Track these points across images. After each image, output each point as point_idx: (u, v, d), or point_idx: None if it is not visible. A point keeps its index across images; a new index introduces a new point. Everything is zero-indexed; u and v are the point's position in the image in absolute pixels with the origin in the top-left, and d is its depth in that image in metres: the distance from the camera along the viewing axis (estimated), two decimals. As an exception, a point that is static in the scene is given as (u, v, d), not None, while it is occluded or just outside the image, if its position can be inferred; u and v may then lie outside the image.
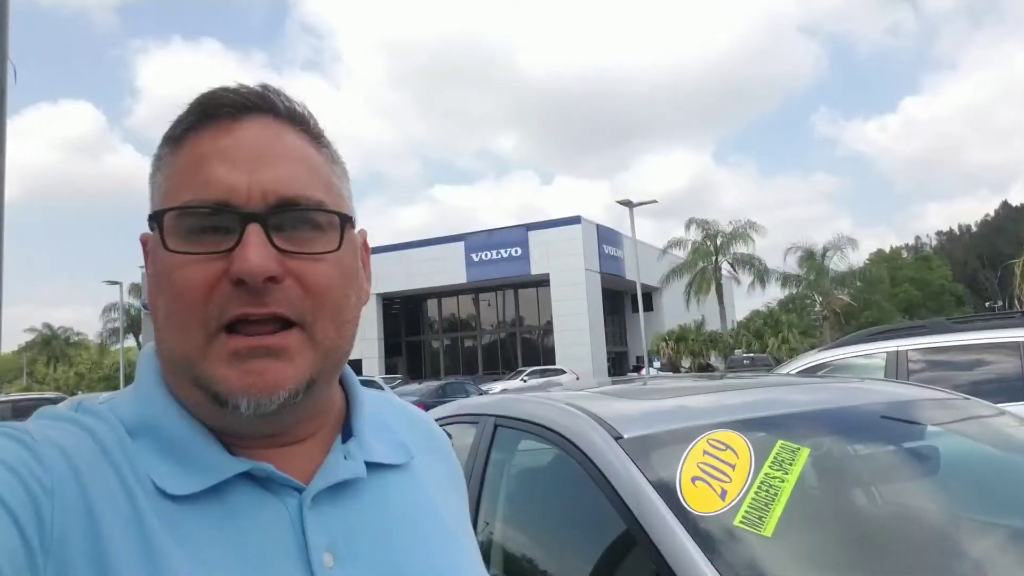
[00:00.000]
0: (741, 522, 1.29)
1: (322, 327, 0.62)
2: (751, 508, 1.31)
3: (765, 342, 31.19)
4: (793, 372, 4.69)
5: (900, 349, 4.34)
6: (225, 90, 0.63)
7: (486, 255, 36.19)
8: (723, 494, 1.34)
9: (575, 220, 35.04)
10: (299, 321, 0.60)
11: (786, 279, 36.55)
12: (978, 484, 1.78)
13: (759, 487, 1.36)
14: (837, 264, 35.73)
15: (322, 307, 0.62)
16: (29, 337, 58.11)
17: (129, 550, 0.54)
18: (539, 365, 33.83)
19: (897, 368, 4.26)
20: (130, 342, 50.07)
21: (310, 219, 0.62)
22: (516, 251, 35.59)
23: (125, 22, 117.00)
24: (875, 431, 1.79)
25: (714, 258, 35.13)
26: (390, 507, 0.68)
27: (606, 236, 36.96)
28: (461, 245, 36.66)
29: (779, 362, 25.13)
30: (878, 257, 57.16)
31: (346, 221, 0.65)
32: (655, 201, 31.86)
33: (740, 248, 34.90)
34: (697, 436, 1.50)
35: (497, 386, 28.88)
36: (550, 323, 36.26)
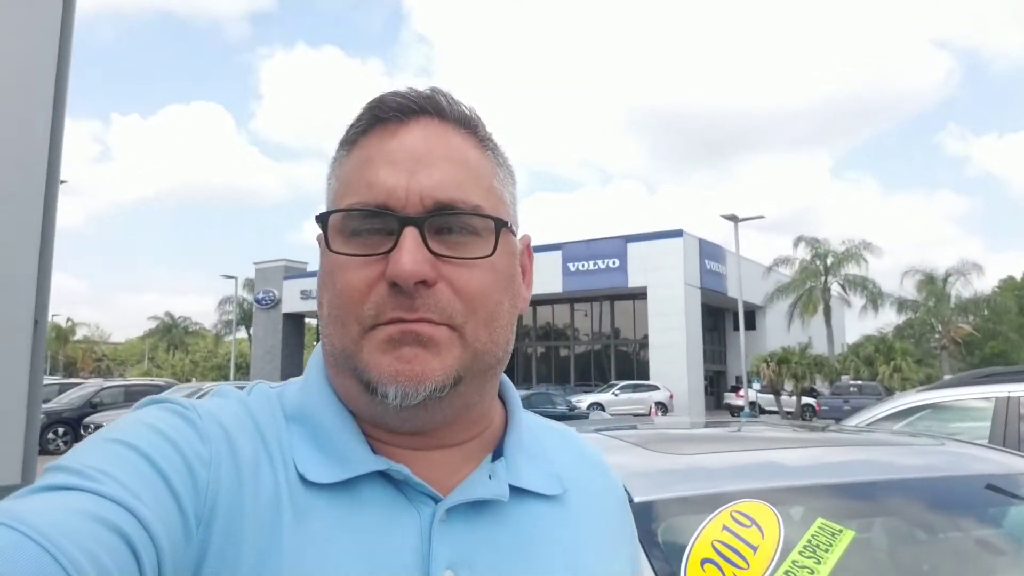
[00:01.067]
0: (750, 624, 1.07)
1: (473, 329, 0.62)
2: (766, 606, 1.10)
3: (876, 369, 29.37)
4: (887, 413, 4.27)
5: (1012, 395, 3.85)
6: (395, 94, 0.65)
7: (583, 265, 35.84)
8: (735, 584, 1.13)
9: (676, 233, 34.21)
10: (448, 324, 0.61)
11: (902, 304, 34.51)
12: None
13: (782, 578, 1.14)
14: (960, 290, 33.37)
15: (474, 312, 0.62)
16: (152, 325, 62.19)
17: (259, 528, 0.56)
18: (633, 379, 33.21)
19: (1007, 417, 3.78)
20: (241, 334, 52.65)
21: (466, 223, 0.62)
22: (614, 262, 35.07)
23: (256, 29, 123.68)
24: (968, 509, 1.51)
25: (823, 278, 33.54)
26: (528, 538, 0.66)
27: (708, 251, 35.89)
28: (558, 254, 36.49)
29: (890, 392, 23.62)
30: (1008, 284, 53.02)
31: (502, 226, 0.64)
32: (762, 216, 30.76)
33: (852, 269, 33.21)
34: (721, 505, 1.29)
35: (587, 398, 28.61)
36: (646, 337, 35.52)
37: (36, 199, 2.27)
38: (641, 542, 1.21)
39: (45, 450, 15.54)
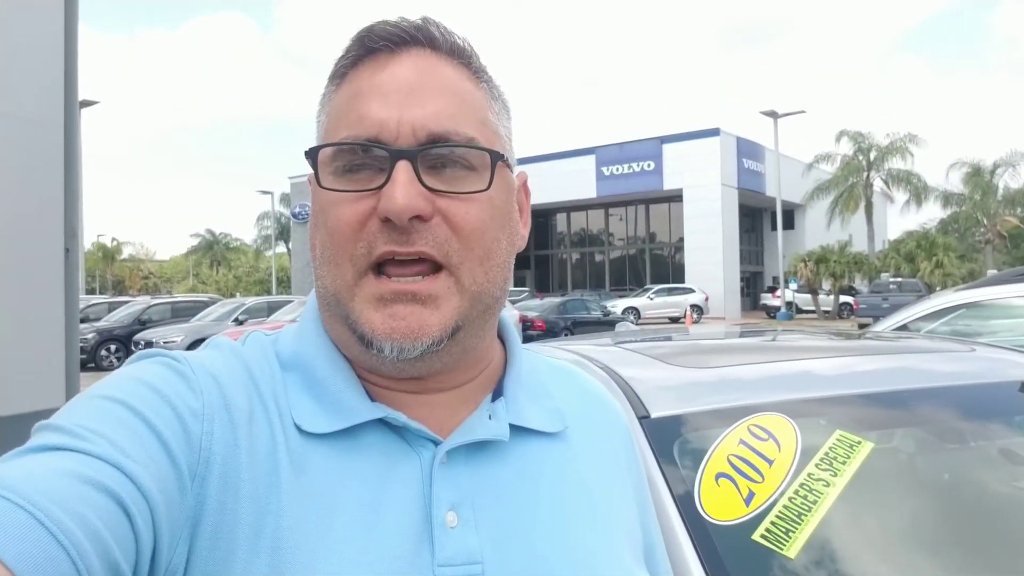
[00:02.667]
0: (762, 536, 1.08)
1: (469, 270, 0.60)
2: (779, 519, 1.10)
3: (917, 266, 28.81)
4: (923, 313, 4.19)
5: (1055, 293, 3.74)
6: (384, 23, 0.63)
7: (617, 169, 35.25)
8: (749, 498, 1.14)
9: (713, 132, 33.28)
10: (445, 262, 0.59)
11: (947, 198, 33.50)
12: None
13: (796, 491, 1.14)
14: (1008, 183, 32.20)
15: (470, 249, 0.60)
16: (194, 242, 63.35)
17: (257, 480, 0.56)
18: (668, 283, 33.16)
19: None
20: (281, 248, 53.37)
21: (460, 157, 0.60)
22: (649, 165, 34.41)
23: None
24: (996, 417, 1.49)
25: (866, 174, 32.59)
26: (530, 476, 0.66)
27: (746, 149, 34.94)
28: (592, 158, 35.87)
29: (931, 289, 23.25)
30: (1061, 174, 50.97)
31: (498, 159, 0.62)
32: (803, 111, 29.75)
33: (897, 163, 32.16)
34: (739, 419, 1.29)
35: (621, 303, 28.71)
36: (682, 240, 35.21)
37: (56, 128, 2.27)
38: (657, 458, 1.22)
39: (100, 367, 16.23)
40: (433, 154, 0.59)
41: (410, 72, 0.61)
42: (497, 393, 0.69)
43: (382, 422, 0.62)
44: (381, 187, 0.58)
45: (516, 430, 0.66)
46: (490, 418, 0.66)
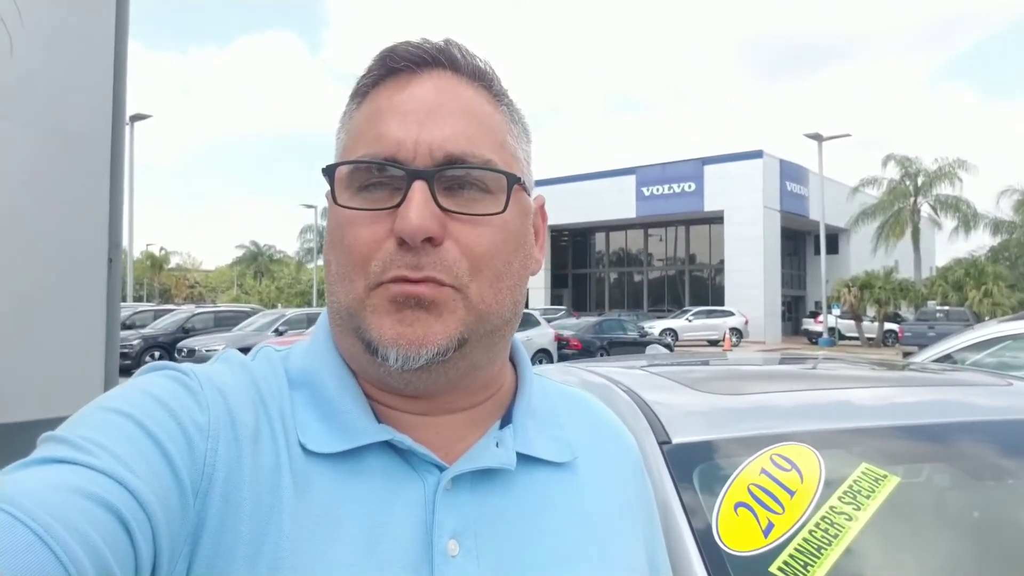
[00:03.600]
0: (780, 569, 1.06)
1: (477, 288, 0.60)
2: (798, 552, 1.08)
3: (965, 294, 28.01)
4: (967, 343, 4.08)
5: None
6: (407, 44, 0.63)
7: (658, 189, 35.08)
8: (768, 529, 1.12)
9: (756, 154, 32.94)
10: (454, 285, 0.59)
11: (997, 225, 32.60)
12: None
13: (817, 524, 1.12)
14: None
15: (479, 271, 0.60)
16: (239, 253, 64.60)
17: (259, 499, 0.56)
18: (707, 305, 32.79)
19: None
20: (322, 261, 54.04)
21: (477, 179, 0.60)
22: (689, 186, 34.16)
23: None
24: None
25: (913, 199, 31.92)
26: (535, 507, 0.65)
27: (790, 172, 34.50)
28: (633, 178, 35.76)
29: (979, 318, 22.59)
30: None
31: (515, 182, 0.62)
32: (848, 135, 29.39)
33: (945, 189, 31.43)
34: (762, 448, 1.27)
35: (659, 324, 28.44)
36: (722, 262, 34.82)
37: (103, 143, 2.35)
38: (675, 485, 1.21)
39: (144, 372, 16.57)
40: (449, 175, 0.59)
41: (430, 93, 0.61)
42: (506, 420, 0.68)
43: (387, 444, 0.61)
44: (397, 206, 0.58)
45: (523, 459, 0.66)
46: (497, 445, 0.65)
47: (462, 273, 0.59)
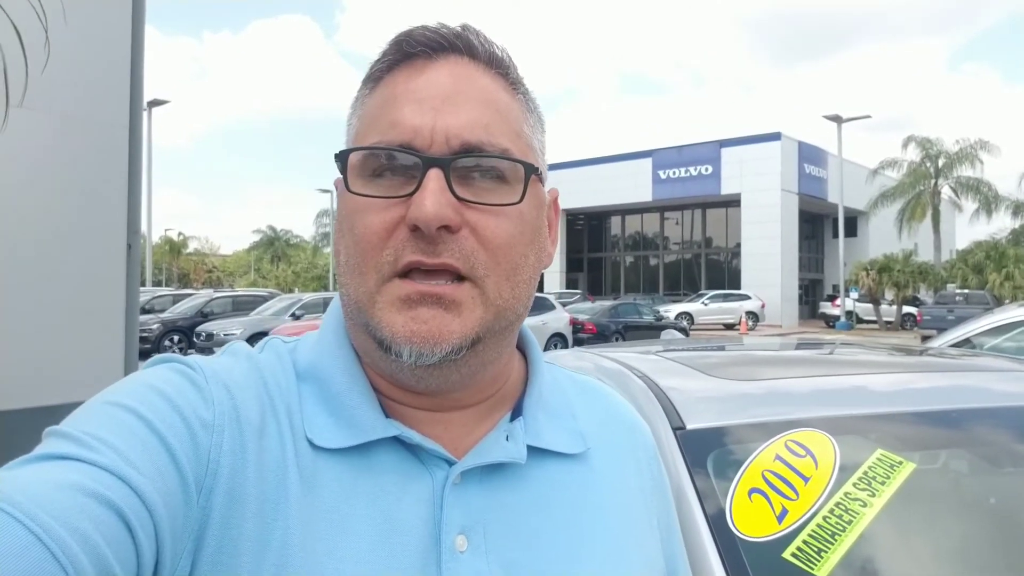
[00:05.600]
0: (793, 555, 1.06)
1: (495, 283, 0.59)
2: (812, 538, 1.08)
3: (985, 277, 27.68)
4: (985, 328, 4.04)
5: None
6: (424, 29, 0.62)
7: (674, 172, 34.84)
8: (782, 515, 1.12)
9: (774, 136, 32.61)
10: (470, 275, 0.58)
11: (1019, 207, 32.12)
12: None
13: (832, 510, 1.12)
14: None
15: (497, 263, 0.59)
16: (256, 238, 64.96)
17: (264, 495, 0.55)
18: (724, 288, 32.63)
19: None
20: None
21: (493, 167, 0.59)
22: (706, 169, 33.90)
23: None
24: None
25: (933, 181, 31.52)
26: (547, 501, 0.64)
27: (808, 154, 34.13)
28: (649, 161, 35.52)
29: (999, 301, 22.33)
30: None
31: (532, 172, 0.61)
32: (868, 116, 28.98)
33: (966, 171, 31.02)
34: (777, 434, 1.27)
35: (675, 308, 28.33)
36: (739, 246, 34.60)
37: (121, 131, 2.37)
38: (690, 471, 1.22)
39: (163, 356, 16.78)
40: (465, 164, 0.58)
41: (446, 79, 0.60)
42: (516, 412, 0.67)
43: (396, 440, 0.60)
44: (411, 194, 0.57)
45: (534, 451, 0.65)
46: (507, 439, 0.64)
47: (479, 264, 0.58)
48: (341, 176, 0.61)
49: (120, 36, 2.41)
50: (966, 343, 4.00)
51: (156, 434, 0.52)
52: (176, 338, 17.81)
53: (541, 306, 14.44)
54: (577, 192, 35.29)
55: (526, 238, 0.62)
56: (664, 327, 16.51)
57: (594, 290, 39.03)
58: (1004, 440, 1.41)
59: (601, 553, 0.64)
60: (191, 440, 0.54)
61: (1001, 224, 38.79)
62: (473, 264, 0.58)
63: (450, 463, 0.61)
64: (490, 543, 0.60)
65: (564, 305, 18.72)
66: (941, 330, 10.03)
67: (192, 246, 66.64)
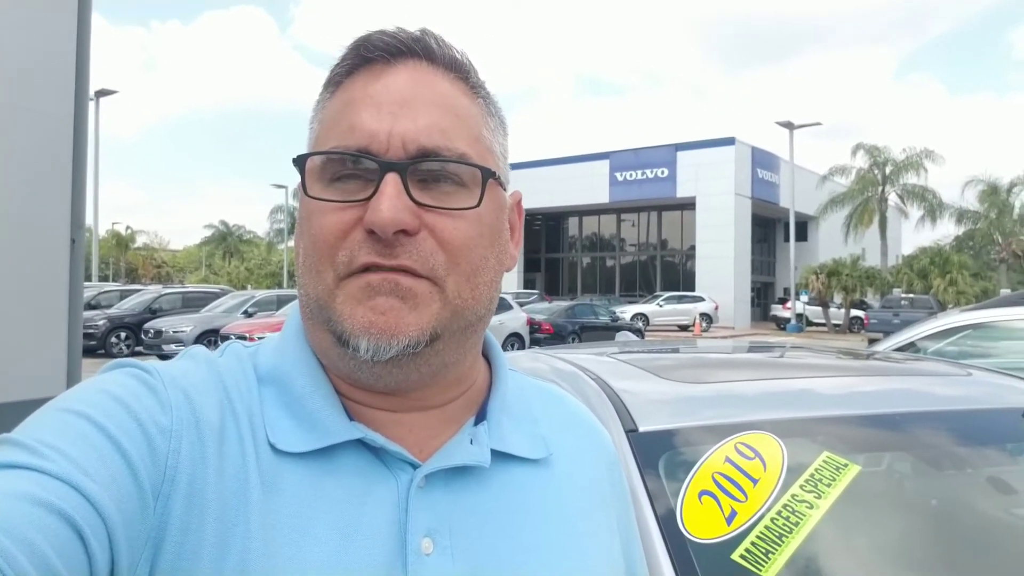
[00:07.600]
0: (742, 556, 1.08)
1: (455, 283, 0.59)
2: (760, 539, 1.10)
3: (930, 282, 28.61)
4: (929, 332, 4.17)
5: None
6: (382, 33, 0.62)
7: (631, 175, 35.21)
8: (731, 516, 1.14)
9: (729, 141, 33.18)
10: (430, 276, 0.58)
11: (962, 215, 33.28)
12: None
13: (779, 512, 1.14)
14: (1025, 202, 31.99)
15: (456, 265, 0.59)
16: (208, 233, 63.69)
17: (224, 500, 0.55)
18: (679, 290, 33.08)
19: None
20: (292, 242, 53.46)
21: (451, 172, 0.59)
22: (663, 172, 34.35)
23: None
24: (987, 444, 1.48)
25: (881, 188, 32.42)
26: (511, 504, 0.64)
27: (761, 160, 34.82)
28: (606, 163, 35.83)
29: (943, 306, 23.08)
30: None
31: (489, 176, 0.61)
32: (819, 123, 29.79)
33: (912, 178, 31.98)
34: (726, 437, 1.28)
35: (631, 309, 28.63)
36: (693, 248, 35.14)
37: (65, 121, 2.29)
38: (641, 473, 1.22)
39: (109, 353, 16.33)
40: (423, 168, 0.58)
41: (404, 84, 0.60)
42: (480, 416, 0.68)
43: (360, 443, 0.60)
44: (368, 199, 0.57)
45: (498, 456, 0.65)
46: (471, 442, 0.64)
47: (438, 265, 0.58)
48: (300, 180, 0.60)
49: (65, 23, 2.33)
50: (911, 347, 4.11)
51: (111, 440, 0.52)
52: (123, 335, 17.31)
53: (499, 306, 14.33)
54: (535, 192, 35.41)
55: (485, 240, 0.62)
56: (620, 328, 16.66)
57: (551, 290, 39.21)
58: (945, 443, 1.45)
59: (564, 555, 0.65)
60: (148, 446, 0.53)
61: (945, 231, 40.18)
62: (433, 265, 0.58)
63: (414, 466, 0.61)
64: (456, 545, 0.60)
65: (521, 305, 18.75)
66: (887, 333, 10.31)
67: (141, 240, 65.02)
